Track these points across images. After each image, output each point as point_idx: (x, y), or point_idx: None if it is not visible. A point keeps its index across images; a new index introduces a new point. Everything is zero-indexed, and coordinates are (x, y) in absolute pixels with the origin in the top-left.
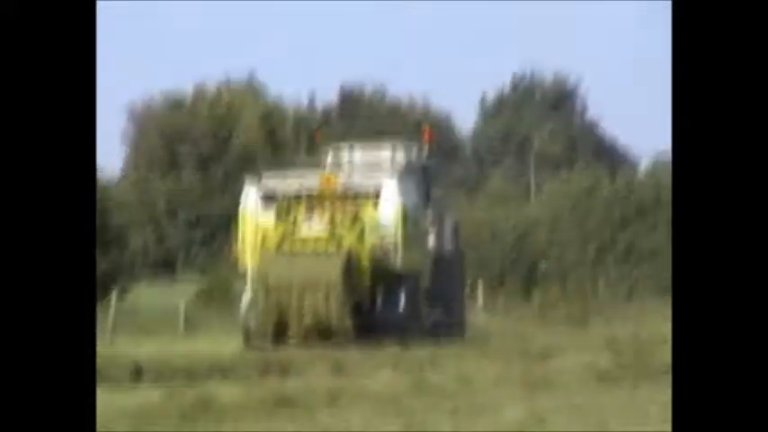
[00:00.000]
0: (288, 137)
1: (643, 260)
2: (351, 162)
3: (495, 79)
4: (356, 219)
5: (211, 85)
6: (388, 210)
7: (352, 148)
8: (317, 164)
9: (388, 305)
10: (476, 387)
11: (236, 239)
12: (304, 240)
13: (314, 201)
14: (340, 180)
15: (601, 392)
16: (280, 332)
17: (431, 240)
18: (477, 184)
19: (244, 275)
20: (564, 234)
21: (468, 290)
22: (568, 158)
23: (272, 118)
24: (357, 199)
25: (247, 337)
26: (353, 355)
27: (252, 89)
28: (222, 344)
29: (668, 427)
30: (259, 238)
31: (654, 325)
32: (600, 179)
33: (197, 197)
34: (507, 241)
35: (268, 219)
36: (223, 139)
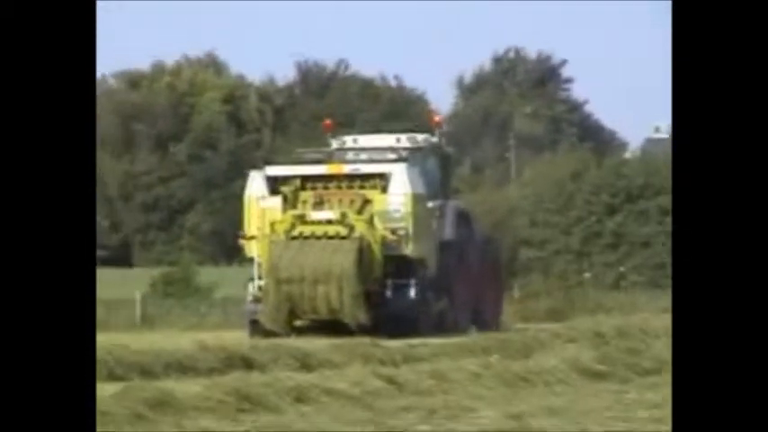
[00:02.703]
0: (252, 115)
1: (631, 249)
2: (356, 149)
3: (474, 58)
4: (365, 204)
5: (170, 63)
6: (398, 197)
7: (355, 137)
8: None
9: (399, 296)
10: (452, 385)
11: (242, 227)
12: (314, 225)
13: (321, 187)
14: (347, 166)
15: (585, 392)
16: (289, 323)
17: (439, 229)
18: (454, 166)
19: (203, 264)
20: (547, 221)
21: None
22: (551, 140)
23: (234, 96)
24: (365, 186)
25: (254, 328)
26: (322, 349)
27: (212, 66)
28: (182, 337)
29: (654, 428)
30: (266, 225)
31: (642, 318)
32: (586, 163)
33: (155, 179)
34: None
35: (274, 206)
36: (183, 118)
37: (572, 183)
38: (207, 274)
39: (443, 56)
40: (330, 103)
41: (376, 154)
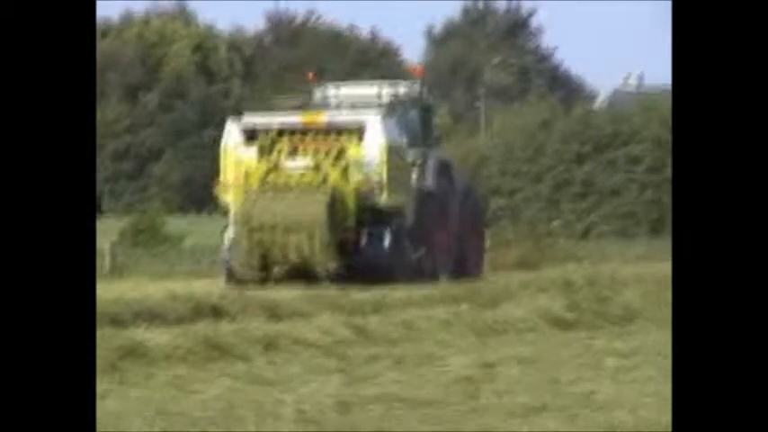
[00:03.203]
0: (221, 65)
1: (600, 199)
2: (337, 99)
3: (445, 9)
4: (340, 155)
5: (138, 13)
6: (373, 147)
7: (338, 85)
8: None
9: (372, 244)
10: (421, 334)
11: (218, 177)
12: (288, 175)
13: (298, 137)
14: (324, 116)
15: (554, 341)
16: (263, 271)
17: (418, 178)
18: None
19: (172, 213)
20: (516, 170)
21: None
22: (521, 90)
23: (203, 46)
24: (341, 136)
25: (230, 276)
26: (291, 299)
27: (182, 16)
28: (151, 286)
29: (623, 377)
30: (242, 174)
31: (611, 267)
32: (555, 112)
33: (125, 128)
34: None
35: (251, 156)
36: (152, 68)
37: (541, 132)
38: (176, 223)
39: (414, 7)
40: (300, 53)
41: (358, 104)
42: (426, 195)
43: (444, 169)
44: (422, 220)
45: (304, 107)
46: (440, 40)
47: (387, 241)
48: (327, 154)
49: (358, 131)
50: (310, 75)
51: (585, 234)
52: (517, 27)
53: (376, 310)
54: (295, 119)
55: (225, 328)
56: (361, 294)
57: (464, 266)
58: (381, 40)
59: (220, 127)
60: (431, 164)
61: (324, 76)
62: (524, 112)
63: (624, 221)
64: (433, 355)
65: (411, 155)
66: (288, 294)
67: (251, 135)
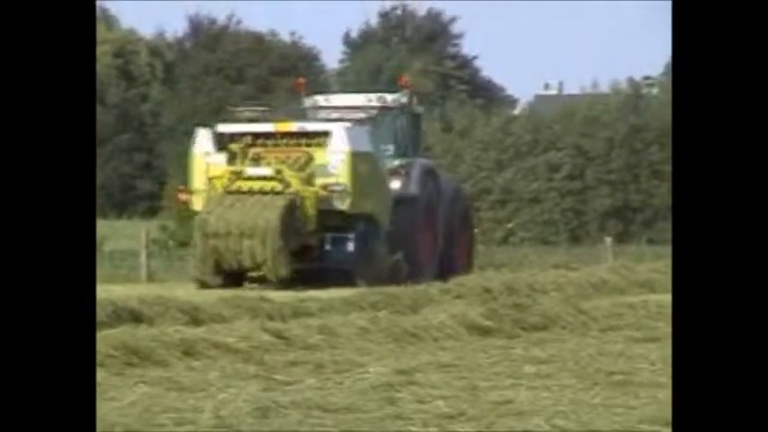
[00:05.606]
0: (142, 69)
1: (520, 205)
2: (321, 109)
3: (362, 14)
4: (306, 162)
5: None
6: (337, 154)
7: (326, 97)
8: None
9: (337, 249)
10: (340, 340)
11: (186, 183)
12: (252, 181)
13: (269, 145)
14: (294, 125)
15: (473, 347)
16: (219, 276)
17: (404, 185)
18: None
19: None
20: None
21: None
22: (441, 96)
23: (125, 49)
24: (311, 144)
25: (197, 281)
26: (211, 303)
27: (104, 19)
28: None
29: (541, 384)
30: (207, 181)
31: (530, 274)
32: (474, 119)
33: None
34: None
35: (218, 163)
36: None
37: (460, 139)
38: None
39: (335, 12)
40: (221, 56)
41: (346, 114)
42: (408, 200)
43: (429, 174)
44: (402, 225)
45: (266, 117)
46: (357, 46)
47: (350, 246)
48: (295, 162)
49: (327, 139)
50: (299, 83)
51: (505, 241)
52: (437, 33)
53: (294, 315)
54: (266, 127)
55: (143, 332)
56: (279, 299)
57: (451, 268)
58: (303, 44)
59: (139, 131)
60: (415, 170)
61: (243, 80)
62: (444, 118)
63: (543, 228)
64: (352, 362)
65: (396, 162)
66: (207, 297)
67: (222, 143)
